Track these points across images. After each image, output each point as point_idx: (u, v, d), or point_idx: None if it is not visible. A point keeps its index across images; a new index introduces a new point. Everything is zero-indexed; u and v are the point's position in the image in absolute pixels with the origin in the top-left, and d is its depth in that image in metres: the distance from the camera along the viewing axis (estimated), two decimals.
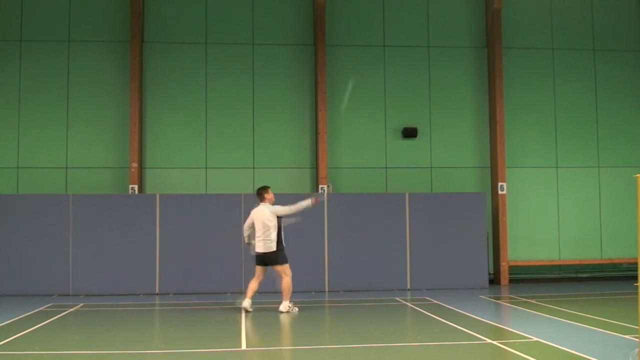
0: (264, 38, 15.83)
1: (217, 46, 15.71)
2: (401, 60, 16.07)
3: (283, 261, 10.58)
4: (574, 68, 16.53)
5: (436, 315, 10.20)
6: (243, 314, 10.54)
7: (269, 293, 13.24)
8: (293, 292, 10.69)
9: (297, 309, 10.76)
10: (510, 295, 13.22)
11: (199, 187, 15.28)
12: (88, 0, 15.55)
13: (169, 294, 13.49)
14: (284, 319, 10.35)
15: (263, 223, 10.54)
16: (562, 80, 16.45)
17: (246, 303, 10.60)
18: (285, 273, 10.59)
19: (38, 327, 9.34)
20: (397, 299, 12.60)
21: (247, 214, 11.03)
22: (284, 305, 10.62)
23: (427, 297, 12.61)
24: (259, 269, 10.70)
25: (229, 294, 13.16)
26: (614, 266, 16.20)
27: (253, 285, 10.70)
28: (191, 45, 15.65)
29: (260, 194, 10.91)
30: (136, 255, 13.63)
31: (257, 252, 10.63)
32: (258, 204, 10.85)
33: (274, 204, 10.81)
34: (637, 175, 6.76)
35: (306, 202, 10.60)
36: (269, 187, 11.00)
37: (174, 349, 7.91)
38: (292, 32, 15.94)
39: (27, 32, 15.32)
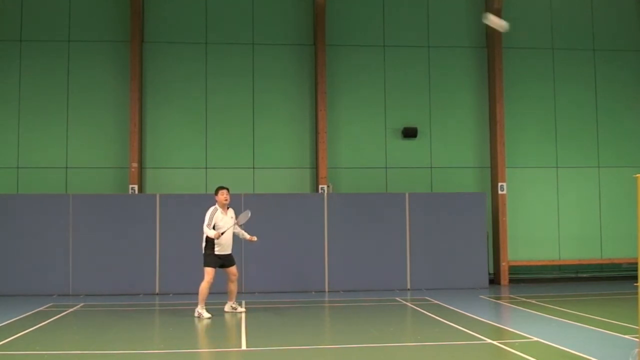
0: (264, 38, 15.83)
1: (217, 46, 15.70)
2: (401, 60, 16.07)
3: (205, 264, 10.40)
4: (574, 68, 16.52)
5: (436, 315, 10.20)
6: (243, 314, 10.54)
7: (264, 293, 13.30)
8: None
9: (207, 315, 10.22)
10: (510, 295, 13.22)
11: (199, 187, 15.27)
12: (88, 0, 15.55)
13: (169, 294, 13.49)
14: (284, 318, 10.35)
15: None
16: (562, 80, 16.45)
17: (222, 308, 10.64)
18: (205, 276, 10.36)
19: (38, 327, 9.33)
20: (397, 299, 12.59)
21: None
22: (196, 310, 10.36)
23: (427, 297, 12.61)
24: None
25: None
26: (614, 266, 16.19)
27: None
28: (191, 45, 15.65)
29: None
30: (136, 255, 13.62)
31: None
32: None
33: (227, 207, 10.59)
34: (637, 175, 6.76)
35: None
36: (218, 189, 10.64)
37: (174, 349, 7.90)
38: (292, 32, 15.94)
39: (27, 32, 15.32)
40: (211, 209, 10.44)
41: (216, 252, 10.36)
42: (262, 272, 13.77)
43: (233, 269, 10.61)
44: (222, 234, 10.27)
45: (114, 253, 13.57)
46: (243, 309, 10.87)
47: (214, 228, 10.29)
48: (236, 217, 10.64)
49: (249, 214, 10.58)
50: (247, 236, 10.75)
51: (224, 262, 10.49)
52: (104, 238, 13.59)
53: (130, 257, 13.60)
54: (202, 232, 10.42)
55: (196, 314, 10.26)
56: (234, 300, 10.85)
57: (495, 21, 10.00)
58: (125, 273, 13.55)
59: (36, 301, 12.16)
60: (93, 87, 15.36)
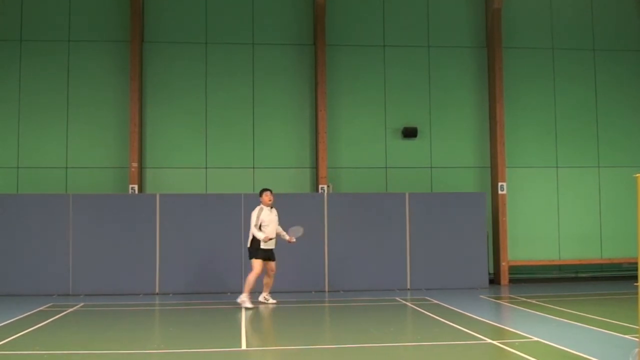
0: (264, 38, 15.83)
1: (217, 46, 15.70)
2: (401, 60, 16.07)
3: (253, 256, 11.22)
4: (574, 68, 16.52)
5: (436, 315, 10.20)
6: (243, 314, 10.55)
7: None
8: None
9: (250, 305, 11.07)
10: (510, 295, 13.22)
11: (199, 187, 15.27)
12: (88, 0, 15.55)
13: (169, 294, 13.48)
14: (284, 318, 10.35)
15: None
16: (562, 80, 16.45)
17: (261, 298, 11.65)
18: (254, 268, 11.16)
19: (38, 327, 9.33)
20: (397, 298, 12.59)
21: (248, 214, 11.53)
22: (240, 296, 11.23)
23: (427, 297, 12.61)
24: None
25: (229, 294, 13.16)
26: (614, 266, 16.19)
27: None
28: (191, 45, 15.65)
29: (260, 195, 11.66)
30: (136, 255, 13.62)
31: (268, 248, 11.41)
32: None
33: (271, 207, 11.48)
34: (637, 175, 6.75)
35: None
36: (262, 190, 11.59)
37: (174, 349, 7.91)
38: (292, 32, 15.94)
39: (27, 32, 15.32)
40: (257, 208, 11.30)
41: (262, 247, 11.09)
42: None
43: (272, 264, 11.46)
44: (270, 239, 11.15)
45: (114, 253, 13.57)
46: (274, 301, 11.60)
47: (260, 226, 11.13)
48: (277, 217, 11.57)
49: (301, 231, 11.68)
50: (287, 237, 11.62)
51: (268, 255, 11.28)
52: (104, 238, 13.59)
53: (130, 257, 13.60)
54: (247, 231, 11.42)
55: (239, 300, 11.09)
56: (268, 292, 11.69)
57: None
58: (125, 273, 13.55)
59: (36, 301, 12.16)
60: (93, 87, 15.36)
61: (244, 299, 11.06)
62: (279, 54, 15.84)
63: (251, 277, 11.09)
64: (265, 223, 11.20)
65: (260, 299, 11.72)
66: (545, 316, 10.08)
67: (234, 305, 11.15)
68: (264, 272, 11.41)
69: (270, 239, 11.20)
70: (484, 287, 14.28)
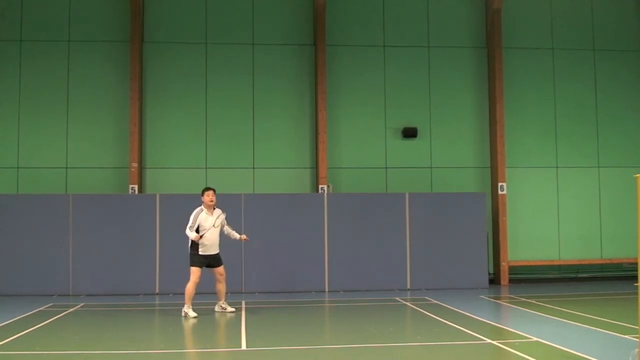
0: (264, 38, 15.83)
1: (217, 46, 15.70)
2: (401, 60, 16.07)
3: (190, 264, 10.48)
4: (574, 68, 16.52)
5: (436, 315, 10.20)
6: (243, 314, 10.55)
7: (264, 293, 13.31)
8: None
9: (193, 314, 10.28)
10: (510, 295, 13.22)
11: (199, 187, 15.13)
12: (88, 0, 15.54)
13: (169, 294, 13.49)
14: (284, 318, 10.35)
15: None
16: (562, 80, 16.45)
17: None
18: (190, 276, 10.45)
19: (38, 327, 9.34)
20: (397, 298, 12.59)
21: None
22: (182, 309, 10.45)
23: (427, 297, 12.61)
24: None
25: (229, 294, 13.14)
26: (615, 266, 16.19)
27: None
28: (191, 45, 15.65)
29: None
30: (136, 255, 13.62)
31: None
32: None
33: (213, 207, 10.60)
34: (637, 175, 6.76)
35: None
36: (203, 190, 10.73)
37: (174, 349, 7.91)
38: (292, 32, 15.94)
39: (27, 32, 15.31)
40: (196, 209, 10.51)
41: (200, 253, 10.41)
42: (262, 272, 13.77)
43: (220, 269, 10.67)
44: (201, 237, 10.28)
45: (114, 253, 13.57)
46: (232, 309, 10.82)
47: (198, 229, 10.34)
48: (225, 219, 10.70)
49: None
50: (237, 236, 10.87)
51: (209, 262, 10.56)
52: (104, 238, 13.59)
53: (130, 257, 13.60)
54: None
55: (182, 314, 10.34)
56: (223, 299, 10.86)
57: None
58: (125, 273, 13.55)
59: (36, 301, 12.16)
60: (93, 87, 15.36)
61: (185, 311, 10.29)
62: (278, 54, 15.83)
63: (188, 287, 10.34)
64: (203, 227, 10.35)
65: (216, 308, 10.83)
66: (545, 316, 10.09)
67: (233, 306, 11.13)
68: (215, 280, 10.67)
69: (203, 242, 10.31)
70: (484, 287, 14.28)
